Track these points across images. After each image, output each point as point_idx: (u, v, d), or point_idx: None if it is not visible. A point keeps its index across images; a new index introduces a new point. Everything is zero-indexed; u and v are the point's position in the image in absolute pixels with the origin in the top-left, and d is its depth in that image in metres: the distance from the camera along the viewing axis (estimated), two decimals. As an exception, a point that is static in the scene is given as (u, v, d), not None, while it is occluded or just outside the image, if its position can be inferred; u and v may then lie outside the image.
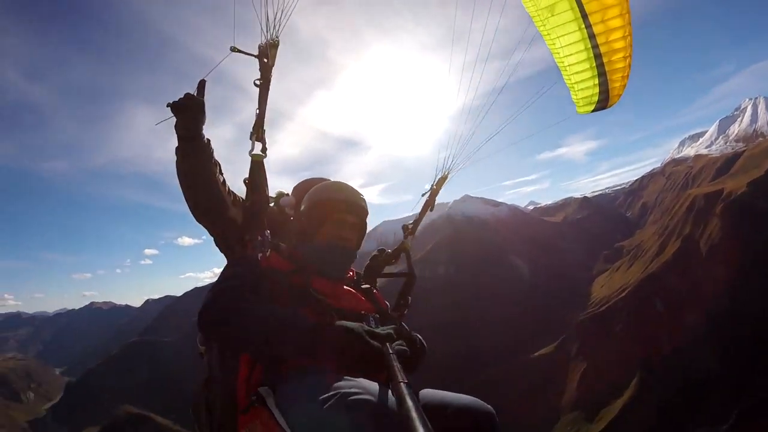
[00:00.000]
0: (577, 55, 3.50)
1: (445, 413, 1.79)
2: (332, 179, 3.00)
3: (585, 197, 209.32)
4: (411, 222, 3.25)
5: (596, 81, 3.59)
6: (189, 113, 2.24)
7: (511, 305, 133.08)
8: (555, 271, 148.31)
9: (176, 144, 2.35)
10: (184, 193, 2.43)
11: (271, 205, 2.94)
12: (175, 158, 2.38)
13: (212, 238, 2.67)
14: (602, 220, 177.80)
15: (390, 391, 1.41)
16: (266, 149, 2.53)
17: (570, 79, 3.63)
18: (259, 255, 2.15)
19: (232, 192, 2.62)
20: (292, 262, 2.17)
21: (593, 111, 3.82)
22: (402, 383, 1.32)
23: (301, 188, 3.03)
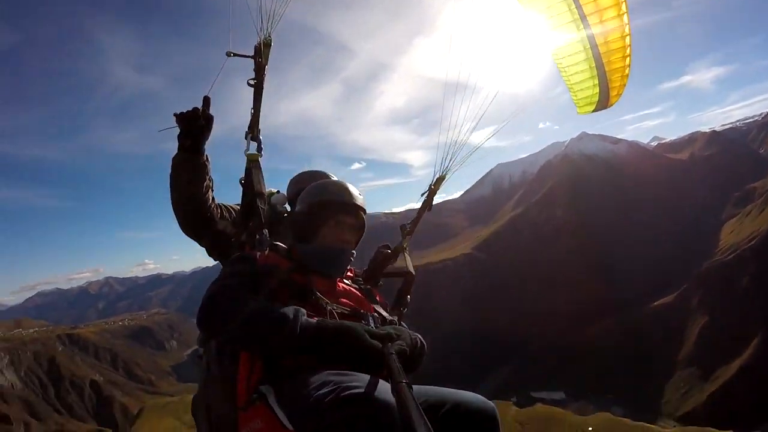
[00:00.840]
0: (576, 56, 3.48)
1: (445, 411, 1.78)
2: (333, 177, 2.97)
3: (714, 131, 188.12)
4: (409, 222, 3.20)
5: (595, 81, 3.60)
6: (197, 127, 2.30)
7: (631, 251, 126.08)
8: (680, 214, 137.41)
9: (175, 154, 2.38)
10: (173, 206, 2.46)
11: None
12: (170, 168, 2.41)
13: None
14: (732, 158, 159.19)
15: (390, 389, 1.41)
16: (262, 148, 2.55)
17: (569, 80, 3.62)
18: (258, 253, 2.11)
19: (221, 206, 2.66)
20: (291, 261, 2.14)
21: (594, 111, 3.87)
22: (402, 383, 1.32)
23: (298, 182, 3.04)
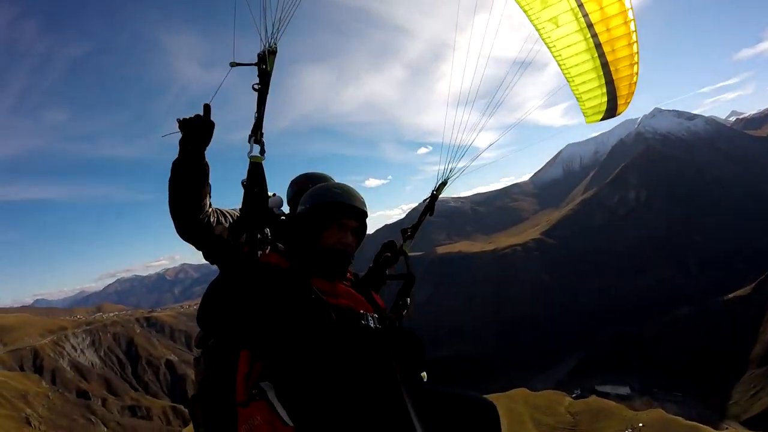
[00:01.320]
0: (583, 65, 3.48)
1: (445, 410, 1.78)
2: (334, 179, 3.05)
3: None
4: (410, 225, 3.28)
5: (604, 90, 3.57)
6: (198, 133, 2.35)
7: (707, 236, 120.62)
8: (761, 197, 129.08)
9: (176, 158, 2.40)
10: (171, 210, 2.46)
11: None
12: (170, 172, 2.42)
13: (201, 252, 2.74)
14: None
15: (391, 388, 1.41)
16: (265, 151, 2.57)
17: (577, 90, 3.61)
18: (259, 253, 2.16)
19: (218, 211, 2.68)
20: (291, 261, 2.19)
21: (602, 119, 3.84)
22: (402, 382, 1.33)
23: (297, 184, 3.10)
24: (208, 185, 2.53)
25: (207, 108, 2.40)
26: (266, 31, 2.62)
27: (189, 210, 2.45)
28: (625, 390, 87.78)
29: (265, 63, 2.59)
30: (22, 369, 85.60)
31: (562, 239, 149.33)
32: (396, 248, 3.06)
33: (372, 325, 1.99)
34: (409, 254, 3.08)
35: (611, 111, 3.72)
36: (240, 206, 2.59)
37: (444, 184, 3.44)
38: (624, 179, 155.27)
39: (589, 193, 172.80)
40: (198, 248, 2.65)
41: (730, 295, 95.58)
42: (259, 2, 2.56)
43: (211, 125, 2.38)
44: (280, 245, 2.34)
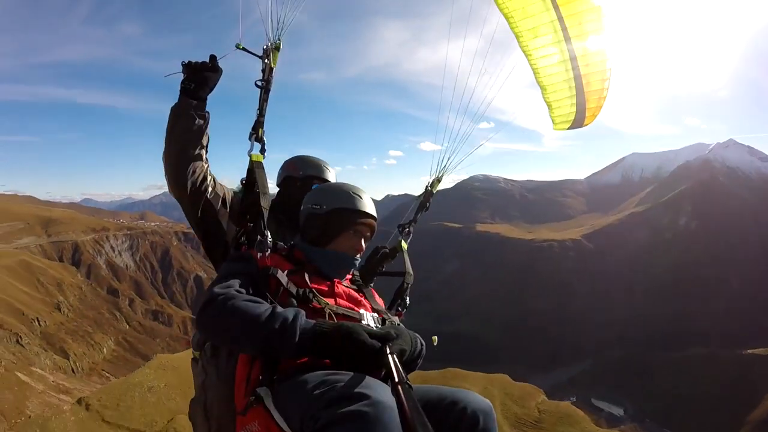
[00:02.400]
0: (557, 76, 3.64)
1: (443, 410, 1.77)
2: (329, 165, 2.99)
3: None
4: (407, 221, 3.26)
5: (573, 101, 3.74)
6: (203, 76, 2.32)
7: (744, 284, 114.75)
8: None
9: (176, 102, 2.34)
10: (165, 158, 2.38)
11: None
12: (168, 118, 2.36)
13: (203, 248, 2.73)
14: None
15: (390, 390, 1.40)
16: (265, 150, 2.52)
17: (548, 98, 3.79)
18: (258, 255, 2.10)
19: (214, 178, 2.60)
20: (291, 262, 2.16)
21: (569, 128, 4.04)
22: (401, 383, 1.30)
23: (291, 167, 2.96)
24: (206, 136, 2.47)
25: (213, 58, 2.39)
26: (272, 25, 2.56)
27: (183, 157, 2.36)
28: (618, 411, 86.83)
29: (268, 58, 2.56)
30: (61, 260, 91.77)
31: (601, 246, 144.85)
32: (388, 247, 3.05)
33: (372, 325, 1.98)
34: (406, 251, 3.07)
35: (579, 122, 3.89)
36: (237, 191, 2.58)
37: (439, 180, 3.47)
38: (679, 203, 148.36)
39: (641, 207, 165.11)
40: (189, 212, 2.54)
41: (749, 351, 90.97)
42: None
43: (219, 70, 2.36)
44: (281, 244, 2.30)
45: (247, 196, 2.42)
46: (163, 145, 2.41)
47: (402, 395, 1.25)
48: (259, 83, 2.56)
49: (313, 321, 1.71)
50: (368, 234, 2.33)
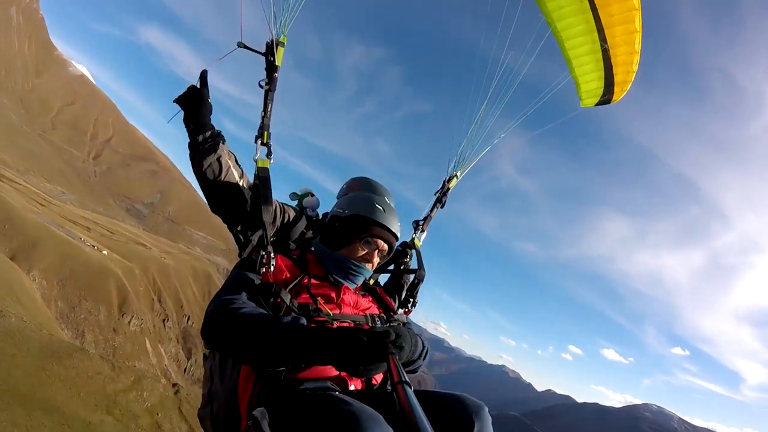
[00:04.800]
0: (583, 48, 3.57)
1: (438, 412, 1.76)
2: (389, 194, 2.85)
3: None
4: (422, 219, 3.26)
5: (601, 74, 3.57)
6: (190, 105, 2.26)
7: None
8: None
9: (188, 141, 2.32)
10: (201, 190, 2.41)
11: (294, 202, 2.91)
12: (188, 153, 2.35)
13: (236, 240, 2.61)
14: None
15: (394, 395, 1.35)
16: (272, 153, 2.45)
17: (575, 71, 3.67)
18: (262, 270, 2.08)
19: (248, 182, 2.57)
20: (300, 266, 2.18)
21: (597, 104, 3.70)
22: (401, 383, 1.30)
23: (350, 188, 2.86)
24: (230, 154, 2.43)
25: (203, 75, 2.33)
26: (275, 18, 2.46)
27: (214, 187, 2.37)
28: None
29: (272, 54, 2.46)
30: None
31: None
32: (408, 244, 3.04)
33: (378, 326, 1.98)
34: (419, 247, 3.05)
35: (607, 96, 3.65)
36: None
37: (456, 177, 3.42)
38: None
39: None
40: (229, 226, 2.49)
41: None
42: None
43: (203, 95, 2.27)
44: (292, 246, 2.35)
45: (254, 203, 2.37)
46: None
47: (402, 395, 1.24)
48: (263, 84, 2.47)
49: (313, 326, 1.72)
50: (383, 247, 2.31)
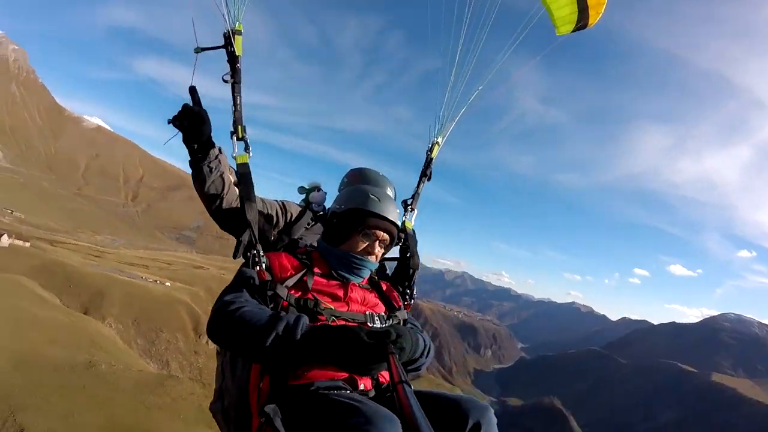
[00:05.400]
0: None
1: (442, 413, 1.75)
2: (388, 180, 2.89)
3: None
4: (410, 198, 3.03)
5: None
6: (188, 125, 2.22)
7: None
8: None
9: (189, 159, 2.31)
10: (206, 207, 2.42)
11: (302, 197, 2.95)
12: (190, 171, 2.35)
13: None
14: None
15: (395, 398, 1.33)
16: (249, 147, 2.38)
17: None
18: (256, 269, 2.08)
19: (260, 199, 2.58)
20: (306, 263, 2.17)
21: (573, 31, 3.52)
22: (401, 383, 1.29)
23: (352, 178, 2.89)
24: (232, 170, 2.43)
25: (192, 91, 2.28)
26: (227, 8, 2.40)
27: (218, 204, 2.39)
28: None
29: (231, 45, 2.40)
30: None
31: None
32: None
33: (380, 325, 1.99)
34: (412, 230, 2.88)
35: (582, 22, 3.43)
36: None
37: (437, 144, 3.19)
38: None
39: None
40: (236, 236, 2.50)
41: None
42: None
43: (201, 114, 2.22)
44: (300, 241, 2.37)
45: (241, 200, 2.35)
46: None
47: (402, 395, 1.23)
48: (227, 78, 2.39)
49: (314, 324, 1.74)
50: (384, 237, 2.25)
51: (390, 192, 2.84)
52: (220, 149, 2.36)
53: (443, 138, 3.18)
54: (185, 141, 2.26)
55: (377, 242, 2.23)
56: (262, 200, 2.58)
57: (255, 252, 2.11)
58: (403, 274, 2.67)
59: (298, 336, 1.64)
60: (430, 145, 3.13)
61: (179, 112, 2.20)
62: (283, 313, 1.77)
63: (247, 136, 2.37)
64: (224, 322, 1.75)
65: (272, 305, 1.92)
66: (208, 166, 2.29)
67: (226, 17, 2.39)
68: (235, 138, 2.36)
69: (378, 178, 2.85)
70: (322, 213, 2.83)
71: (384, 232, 2.23)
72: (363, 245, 2.20)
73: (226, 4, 2.38)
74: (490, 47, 3.09)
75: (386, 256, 2.66)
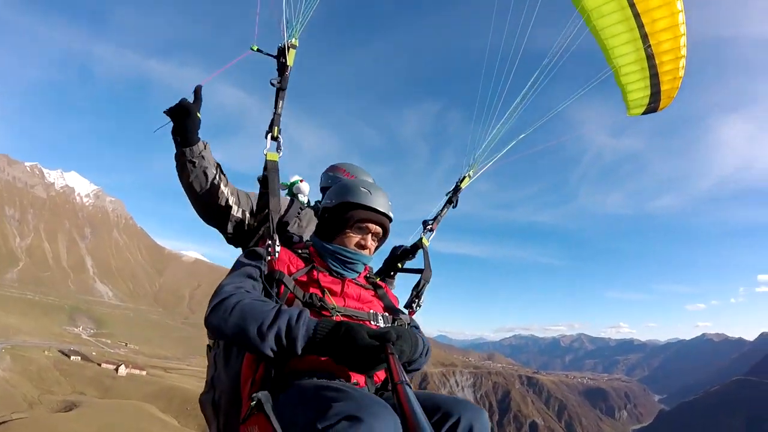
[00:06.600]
0: (628, 56, 3.64)
1: (439, 416, 1.73)
2: (370, 175, 3.01)
3: None
4: (431, 218, 3.26)
5: (647, 83, 3.70)
6: (178, 118, 2.32)
7: None
8: None
9: (175, 152, 2.39)
10: (190, 202, 2.52)
11: (284, 192, 3.02)
12: (174, 164, 2.42)
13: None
14: None
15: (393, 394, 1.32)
16: (281, 148, 2.51)
17: (621, 81, 3.78)
18: (268, 258, 2.08)
19: (239, 193, 2.66)
20: (305, 259, 2.17)
21: (644, 113, 3.76)
22: (401, 383, 1.29)
23: (331, 175, 3.02)
24: (216, 167, 2.51)
25: (197, 90, 2.38)
26: (287, 24, 2.61)
27: (202, 199, 2.48)
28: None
29: (284, 56, 2.60)
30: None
31: None
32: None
33: (381, 325, 2.01)
34: (427, 247, 3.05)
35: (654, 104, 3.72)
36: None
37: (469, 177, 3.44)
38: None
39: None
40: (222, 233, 2.66)
41: None
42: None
43: (190, 109, 2.31)
44: (295, 237, 2.37)
45: (261, 195, 2.48)
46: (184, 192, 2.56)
47: (401, 394, 1.24)
48: (275, 82, 2.58)
49: (316, 320, 1.72)
50: (376, 230, 2.24)
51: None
52: (205, 145, 2.45)
53: (475, 173, 3.48)
54: (172, 132, 2.39)
55: (370, 235, 2.21)
56: (247, 194, 2.70)
57: (271, 242, 2.12)
58: (415, 285, 2.77)
59: (301, 331, 1.66)
60: (461, 177, 3.41)
61: (175, 105, 2.33)
62: (284, 307, 1.77)
63: (281, 138, 2.53)
64: (225, 315, 1.73)
65: (277, 297, 1.94)
66: (191, 161, 2.39)
67: (284, 32, 2.63)
68: (270, 137, 2.50)
69: (362, 170, 3.01)
70: (310, 204, 2.98)
71: (376, 224, 2.21)
72: (356, 239, 2.19)
73: (286, 21, 2.62)
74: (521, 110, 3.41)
75: (407, 267, 2.97)
